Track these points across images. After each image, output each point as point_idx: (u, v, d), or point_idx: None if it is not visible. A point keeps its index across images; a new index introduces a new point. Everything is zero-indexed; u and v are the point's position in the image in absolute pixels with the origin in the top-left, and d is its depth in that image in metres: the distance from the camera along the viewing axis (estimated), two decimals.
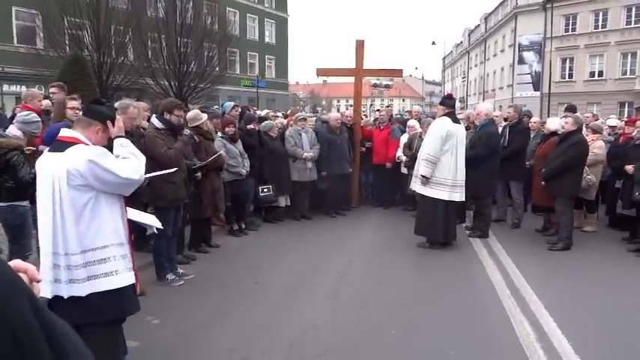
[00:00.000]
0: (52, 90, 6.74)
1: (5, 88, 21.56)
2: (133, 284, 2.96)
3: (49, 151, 2.92)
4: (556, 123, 7.71)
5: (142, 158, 3.09)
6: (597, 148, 7.49)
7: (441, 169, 6.60)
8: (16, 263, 0.99)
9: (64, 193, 2.70)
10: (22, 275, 0.90)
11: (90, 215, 2.75)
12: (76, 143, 2.81)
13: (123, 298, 2.84)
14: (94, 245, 2.76)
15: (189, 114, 6.16)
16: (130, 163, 2.95)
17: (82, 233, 2.73)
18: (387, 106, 11.72)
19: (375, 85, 50.82)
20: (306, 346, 3.86)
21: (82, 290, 2.72)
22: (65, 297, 2.71)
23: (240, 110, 8.40)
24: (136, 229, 5.66)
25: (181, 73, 22.27)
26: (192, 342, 3.89)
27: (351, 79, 10.06)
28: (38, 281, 1.01)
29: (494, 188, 7.67)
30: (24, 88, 21.67)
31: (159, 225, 3.92)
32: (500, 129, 8.10)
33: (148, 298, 4.73)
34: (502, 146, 7.78)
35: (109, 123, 2.95)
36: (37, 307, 0.72)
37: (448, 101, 7.13)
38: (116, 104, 4.59)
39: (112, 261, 2.80)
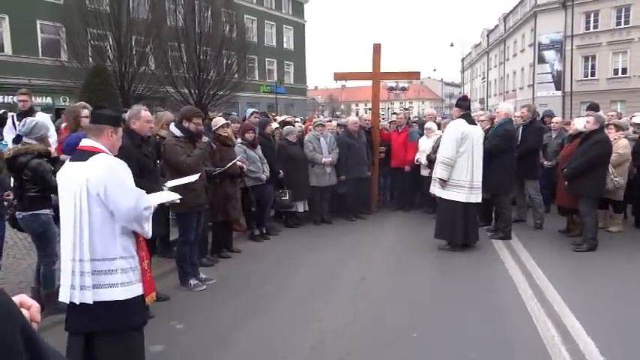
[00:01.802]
0: (20, 98, 6.90)
1: (32, 100, 22.12)
2: (141, 295, 3.02)
3: (70, 160, 3.00)
4: (583, 122, 7.58)
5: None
6: (622, 147, 7.33)
7: (458, 171, 6.58)
8: (22, 298, 1.01)
9: (84, 201, 2.78)
10: (23, 311, 0.91)
11: (102, 226, 2.82)
12: (97, 152, 2.89)
13: (127, 310, 2.87)
14: (103, 256, 2.83)
15: (214, 120, 6.28)
16: (144, 196, 3.06)
17: (94, 242, 2.80)
18: (405, 109, 11.68)
19: (391, 89, 50.66)
20: (326, 349, 3.87)
21: (89, 298, 2.79)
22: (77, 303, 2.79)
23: (259, 117, 8.48)
24: (161, 237, 5.79)
25: (201, 80, 22.55)
26: (215, 346, 3.94)
27: (369, 84, 10.08)
28: (37, 322, 1.02)
29: (510, 186, 7.60)
30: (49, 99, 22.29)
31: (177, 196, 3.93)
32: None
33: (171, 303, 4.84)
34: (516, 145, 7.75)
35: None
36: (30, 337, 0.72)
37: (463, 103, 7.15)
38: (127, 113, 4.69)
39: (119, 273, 2.85)
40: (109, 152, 2.96)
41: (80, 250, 2.79)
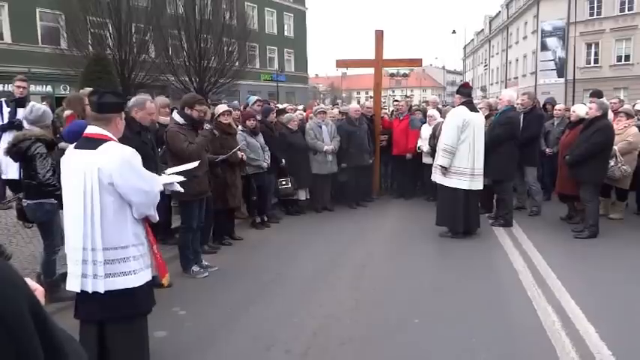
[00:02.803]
0: (19, 84, 6.84)
1: (32, 88, 22.02)
2: (150, 281, 3.05)
3: (76, 147, 2.95)
4: (583, 109, 7.55)
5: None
6: (632, 135, 7.30)
7: (460, 158, 6.57)
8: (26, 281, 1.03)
9: (95, 190, 2.76)
10: None
11: (115, 214, 2.83)
12: (106, 140, 2.87)
13: (137, 297, 2.92)
14: (117, 244, 2.84)
15: (216, 108, 6.27)
16: (156, 179, 3.08)
17: (107, 231, 2.81)
18: (407, 97, 11.62)
19: (392, 75, 50.46)
20: (328, 334, 3.90)
21: (102, 286, 2.81)
22: (90, 292, 2.81)
23: (262, 105, 8.43)
24: (162, 224, 5.79)
25: (202, 68, 22.49)
26: (218, 331, 3.97)
27: (371, 71, 10.03)
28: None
29: (512, 173, 7.61)
30: (49, 87, 22.24)
31: (180, 178, 3.95)
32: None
33: (174, 290, 4.85)
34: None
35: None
36: (39, 313, 0.71)
37: (464, 90, 7.14)
38: (132, 100, 4.67)
39: (131, 261, 2.88)
40: (116, 139, 2.96)
41: (92, 239, 2.79)
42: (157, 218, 3.12)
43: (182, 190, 3.98)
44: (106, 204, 2.79)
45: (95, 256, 2.79)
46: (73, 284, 2.86)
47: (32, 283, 1.04)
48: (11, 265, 0.76)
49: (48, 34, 22.34)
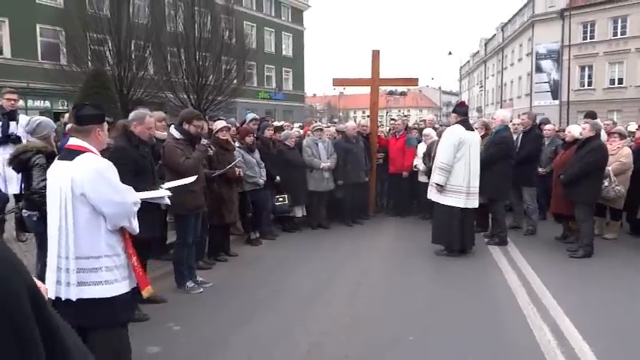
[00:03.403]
0: (9, 97, 6.79)
1: (30, 103, 22.13)
2: (128, 292, 3.05)
3: (58, 159, 3.06)
4: (578, 129, 7.64)
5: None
6: (624, 156, 7.40)
7: (455, 176, 6.61)
8: None
9: (68, 200, 2.85)
10: None
11: (87, 224, 2.88)
12: (84, 151, 2.94)
13: (112, 307, 2.92)
14: (88, 254, 2.88)
15: (214, 124, 6.32)
16: (131, 191, 3.09)
17: (79, 240, 2.86)
18: (405, 116, 11.72)
19: (390, 93, 50.91)
20: (324, 351, 3.88)
21: (73, 294, 2.84)
22: (63, 299, 2.83)
23: (259, 123, 8.45)
24: (157, 239, 5.78)
25: (200, 86, 22.61)
26: (212, 348, 3.94)
27: (368, 91, 10.12)
28: None
29: (507, 193, 7.66)
30: (48, 103, 22.30)
31: (168, 194, 3.99)
32: (514, 137, 8.15)
33: (168, 305, 4.84)
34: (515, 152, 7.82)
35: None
36: (38, 299, 0.69)
37: (460, 109, 7.23)
38: (132, 114, 4.70)
39: (103, 271, 2.91)
40: (96, 151, 3.02)
41: (66, 247, 2.85)
42: (137, 230, 3.14)
43: (169, 202, 4.02)
44: (78, 214, 2.85)
45: (68, 264, 2.85)
46: (49, 291, 2.88)
47: (35, 280, 1.05)
48: (10, 248, 0.74)
49: (48, 49, 22.48)
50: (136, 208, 3.10)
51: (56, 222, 2.88)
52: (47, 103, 22.35)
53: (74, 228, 2.84)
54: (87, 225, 2.87)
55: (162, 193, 4.07)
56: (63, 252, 2.85)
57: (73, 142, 3.00)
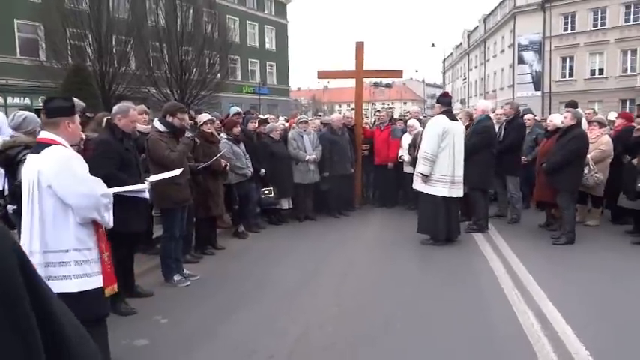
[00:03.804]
0: None
1: (9, 100, 21.74)
2: (101, 287, 3.03)
3: (30, 152, 3.07)
4: (560, 118, 7.75)
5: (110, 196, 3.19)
6: (604, 144, 7.53)
7: (440, 166, 6.68)
8: None
9: (35, 193, 2.84)
10: None
11: (55, 218, 2.86)
12: (52, 144, 2.93)
13: (83, 302, 2.86)
14: (56, 247, 2.86)
15: (199, 117, 6.29)
16: (101, 184, 3.07)
17: (47, 234, 2.84)
18: (389, 108, 11.77)
19: (375, 85, 51.01)
20: (311, 340, 3.90)
21: None
22: None
23: (242, 117, 8.41)
24: (143, 234, 5.75)
25: (183, 81, 22.46)
26: (200, 339, 3.94)
27: (353, 84, 10.14)
28: None
29: (489, 182, 7.76)
30: (28, 100, 21.92)
31: (147, 187, 3.98)
32: (497, 127, 8.25)
33: (155, 299, 4.83)
34: (498, 141, 7.92)
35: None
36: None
37: (444, 99, 7.29)
38: (115, 107, 4.67)
39: (72, 265, 2.89)
40: (65, 144, 3.00)
41: (31, 241, 2.83)
42: (110, 224, 3.13)
43: (148, 196, 4.00)
44: (45, 207, 2.83)
45: (34, 259, 2.80)
46: None
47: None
48: None
49: (26, 45, 22.07)
50: (106, 201, 3.06)
51: (26, 216, 2.87)
52: (27, 100, 21.96)
53: (41, 221, 2.82)
54: (54, 218, 2.85)
55: (141, 186, 4.04)
56: (31, 246, 2.82)
57: (43, 135, 3.00)
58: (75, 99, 5.20)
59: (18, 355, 0.58)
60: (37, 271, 0.67)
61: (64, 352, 0.66)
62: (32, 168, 2.87)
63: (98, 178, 3.15)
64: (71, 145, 3.55)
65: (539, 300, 4.66)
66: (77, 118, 3.15)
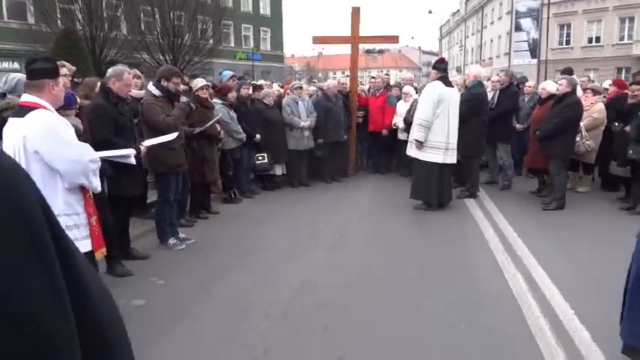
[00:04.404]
0: None
1: None
2: (90, 252, 3.08)
3: (11, 116, 2.98)
4: (553, 86, 7.75)
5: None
6: (597, 111, 7.55)
7: (435, 132, 6.69)
8: None
9: (21, 159, 2.77)
10: None
11: (43, 183, 2.80)
12: (36, 108, 2.87)
13: None
14: None
15: (194, 82, 6.23)
16: (89, 148, 3.05)
17: None
18: (386, 74, 11.65)
19: (368, 52, 50.33)
20: (306, 299, 4.00)
21: None
22: None
23: (237, 80, 8.39)
24: (138, 198, 5.78)
25: (175, 46, 22.11)
26: (196, 299, 4.03)
27: (347, 51, 10.03)
28: None
29: (481, 149, 7.81)
30: (17, 64, 21.53)
31: (133, 152, 4.00)
32: (491, 94, 8.25)
33: (151, 261, 4.91)
34: (490, 108, 7.95)
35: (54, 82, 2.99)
36: (51, 217, 0.62)
37: (440, 65, 7.23)
38: (109, 70, 4.62)
39: None
40: (49, 107, 2.95)
41: None
42: (98, 189, 3.13)
43: (134, 162, 4.00)
44: (33, 173, 2.77)
45: None
46: None
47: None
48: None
49: (14, 8, 21.54)
50: (94, 166, 3.06)
51: None
52: (16, 64, 21.55)
53: None
54: (42, 183, 2.79)
55: (126, 151, 4.02)
56: None
57: (26, 98, 2.93)
58: (66, 63, 5.17)
59: (47, 301, 0.57)
60: (59, 222, 0.64)
61: (87, 302, 0.64)
62: (16, 133, 2.81)
63: (86, 143, 3.13)
64: (72, 109, 3.54)
65: (528, 263, 4.77)
66: (61, 80, 3.11)
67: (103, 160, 3.86)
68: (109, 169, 3.98)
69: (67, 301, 0.59)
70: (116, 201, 4.47)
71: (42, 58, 3.13)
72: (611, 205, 7.06)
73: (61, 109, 3.83)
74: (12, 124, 2.90)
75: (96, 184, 3.09)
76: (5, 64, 21.37)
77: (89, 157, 3.03)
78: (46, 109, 2.90)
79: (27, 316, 0.54)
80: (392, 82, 10.82)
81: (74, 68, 5.91)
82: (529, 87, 9.05)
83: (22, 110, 2.89)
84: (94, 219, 3.16)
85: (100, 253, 3.28)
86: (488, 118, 7.66)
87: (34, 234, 0.57)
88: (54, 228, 0.61)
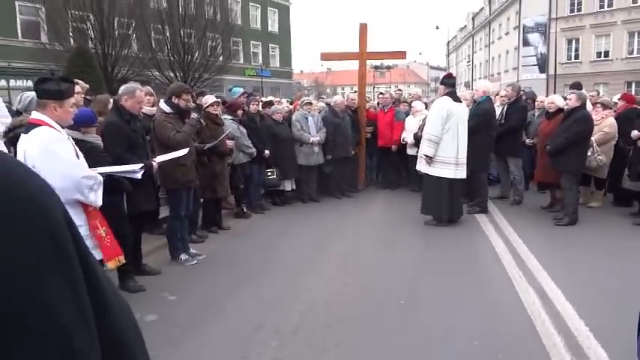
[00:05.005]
0: None
1: (12, 83, 21.72)
2: (99, 260, 3.14)
3: (22, 132, 3.16)
4: (560, 100, 7.75)
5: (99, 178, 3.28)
6: (608, 126, 7.52)
7: (444, 148, 6.70)
8: None
9: None
10: None
11: None
12: (40, 125, 3.00)
13: None
14: None
15: (204, 98, 6.32)
16: (83, 165, 3.15)
17: None
18: (398, 90, 11.61)
19: (376, 68, 50.58)
20: (316, 316, 3.99)
21: None
22: None
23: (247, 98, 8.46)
24: (150, 214, 5.82)
25: (185, 63, 22.35)
26: (208, 315, 4.03)
27: (355, 67, 10.11)
28: None
29: (487, 164, 7.79)
30: (30, 82, 21.88)
31: (139, 166, 4.05)
32: (499, 109, 8.26)
33: (163, 277, 4.92)
34: (499, 123, 7.96)
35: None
36: (72, 225, 0.63)
37: (448, 80, 7.26)
38: (122, 88, 4.72)
39: None
40: (54, 125, 3.06)
41: None
42: (98, 203, 3.19)
43: (139, 177, 4.04)
44: None
45: None
46: None
47: None
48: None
49: (28, 27, 21.97)
50: (90, 182, 3.13)
51: None
52: (30, 83, 21.86)
53: None
54: None
55: (133, 167, 4.07)
56: None
57: (34, 115, 3.08)
58: (79, 81, 5.26)
59: (70, 308, 0.58)
60: (80, 234, 0.65)
61: (106, 316, 0.65)
62: (20, 148, 2.96)
63: (80, 161, 3.21)
64: (93, 126, 3.65)
65: (540, 278, 4.73)
66: (69, 102, 3.19)
67: (123, 177, 3.93)
68: (130, 186, 4.04)
69: (89, 308, 0.61)
70: (129, 216, 4.51)
71: (53, 79, 3.22)
72: (624, 220, 6.99)
73: (83, 127, 3.91)
74: (20, 140, 3.05)
75: (93, 199, 3.16)
76: (19, 83, 21.72)
77: (82, 173, 3.12)
78: (50, 126, 3.00)
79: (51, 324, 0.56)
80: (401, 98, 10.85)
81: (87, 86, 6.02)
82: (540, 102, 9.04)
83: (29, 127, 3.04)
84: (102, 230, 3.21)
85: (116, 262, 3.31)
86: (497, 133, 7.65)
87: (58, 245, 0.59)
88: (76, 238, 0.63)
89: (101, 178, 3.33)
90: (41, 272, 0.56)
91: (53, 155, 2.95)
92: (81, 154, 3.31)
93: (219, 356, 3.35)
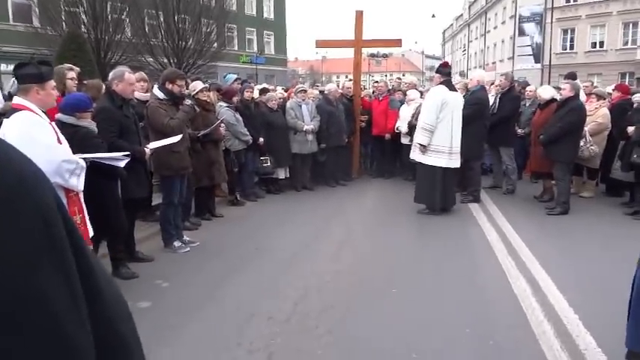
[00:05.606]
0: None
1: (3, 67, 21.42)
2: None
3: (4, 117, 3.18)
4: (548, 91, 7.80)
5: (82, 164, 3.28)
6: (601, 116, 7.55)
7: (438, 136, 6.70)
8: None
9: None
10: None
11: None
12: (21, 109, 3.01)
13: None
14: None
15: (192, 85, 6.24)
16: (64, 149, 3.12)
17: None
18: (399, 78, 11.52)
19: (372, 56, 50.34)
20: (310, 303, 4.01)
21: None
22: None
23: (241, 84, 8.44)
24: (143, 201, 5.80)
25: (179, 49, 22.16)
26: (201, 301, 4.04)
27: (351, 55, 10.07)
28: None
29: (481, 153, 7.82)
30: None
31: (123, 154, 4.01)
32: (493, 98, 8.27)
33: (156, 264, 4.92)
34: (492, 113, 7.97)
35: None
36: (64, 212, 0.62)
37: (443, 69, 7.25)
38: (111, 73, 4.68)
39: None
40: (35, 109, 3.06)
41: None
42: (80, 189, 3.20)
43: (122, 166, 3.98)
44: None
45: None
46: None
47: None
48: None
49: (19, 11, 21.67)
50: (71, 166, 3.14)
51: None
52: None
53: None
54: None
55: (117, 154, 4.01)
56: None
57: (16, 100, 3.10)
58: (72, 66, 5.21)
59: (63, 295, 0.56)
60: (73, 220, 0.64)
61: (98, 303, 0.64)
62: (0, 132, 2.95)
63: (61, 145, 3.20)
64: (89, 112, 3.64)
65: (531, 267, 4.77)
66: (50, 84, 3.19)
67: (107, 164, 3.90)
68: (124, 172, 4.02)
69: (80, 294, 0.60)
70: (123, 203, 4.49)
71: (32, 63, 3.22)
72: (616, 210, 7.05)
73: (78, 112, 3.88)
74: (2, 124, 3.07)
75: (75, 183, 3.17)
76: (11, 67, 21.42)
77: (63, 157, 3.11)
78: (31, 110, 3.00)
79: (43, 313, 0.55)
80: (400, 87, 10.79)
81: (79, 69, 5.95)
82: (530, 92, 9.06)
83: (11, 111, 3.06)
84: (79, 217, 3.23)
85: None
86: (489, 122, 7.67)
87: (49, 227, 0.58)
88: (67, 223, 0.62)
89: (84, 163, 3.34)
90: (35, 258, 0.55)
91: (30, 138, 2.95)
92: (63, 139, 3.29)
93: (212, 343, 3.36)
